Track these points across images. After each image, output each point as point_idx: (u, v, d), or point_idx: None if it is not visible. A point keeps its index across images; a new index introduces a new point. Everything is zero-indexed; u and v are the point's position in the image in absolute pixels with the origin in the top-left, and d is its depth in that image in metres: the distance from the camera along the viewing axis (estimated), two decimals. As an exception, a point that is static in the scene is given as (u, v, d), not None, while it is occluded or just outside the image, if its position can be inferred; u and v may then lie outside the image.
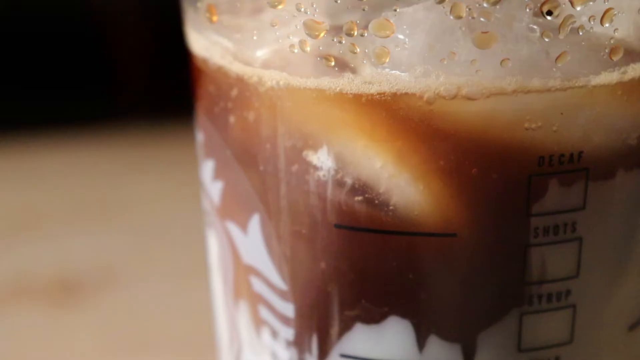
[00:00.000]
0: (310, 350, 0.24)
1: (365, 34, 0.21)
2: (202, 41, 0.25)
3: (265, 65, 0.23)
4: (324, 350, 0.23)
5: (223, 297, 0.27)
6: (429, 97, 0.21)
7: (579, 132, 0.21)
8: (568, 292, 0.23)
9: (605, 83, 0.21)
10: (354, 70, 0.21)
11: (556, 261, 0.22)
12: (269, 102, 0.23)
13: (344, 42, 0.21)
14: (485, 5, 0.20)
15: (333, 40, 0.21)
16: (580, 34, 0.21)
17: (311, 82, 0.22)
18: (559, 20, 0.21)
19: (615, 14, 0.21)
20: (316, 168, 0.22)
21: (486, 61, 0.21)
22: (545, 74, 0.21)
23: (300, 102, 0.22)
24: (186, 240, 0.49)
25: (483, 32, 0.21)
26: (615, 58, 0.21)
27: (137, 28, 0.80)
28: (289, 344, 0.24)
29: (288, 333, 0.24)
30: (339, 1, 0.21)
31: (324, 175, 0.22)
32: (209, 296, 0.29)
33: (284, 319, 0.24)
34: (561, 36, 0.21)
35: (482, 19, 0.21)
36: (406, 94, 0.21)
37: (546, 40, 0.21)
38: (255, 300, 0.25)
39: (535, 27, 0.21)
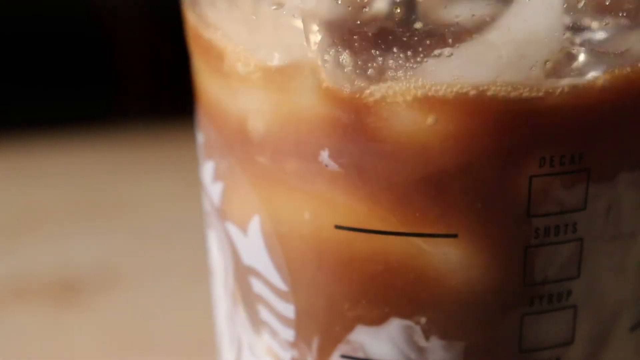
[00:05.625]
0: (311, 352, 0.24)
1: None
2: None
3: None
4: (324, 352, 0.23)
5: (223, 297, 0.27)
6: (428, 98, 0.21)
7: (580, 133, 0.21)
8: (569, 293, 0.23)
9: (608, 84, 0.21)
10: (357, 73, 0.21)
11: (557, 262, 0.22)
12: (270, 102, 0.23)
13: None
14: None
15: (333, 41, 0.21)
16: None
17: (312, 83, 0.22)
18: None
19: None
20: (317, 168, 0.22)
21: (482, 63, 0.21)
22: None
23: (301, 102, 0.22)
24: (187, 241, 0.49)
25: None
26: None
27: (139, 28, 0.80)
28: (289, 345, 0.24)
29: (288, 334, 0.24)
30: (340, 1, 0.21)
31: (324, 176, 0.22)
32: (209, 297, 0.29)
33: (284, 320, 0.24)
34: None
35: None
36: (403, 93, 0.21)
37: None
38: (256, 301, 0.25)
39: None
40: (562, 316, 0.23)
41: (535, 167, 0.21)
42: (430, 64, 0.21)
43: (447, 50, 0.21)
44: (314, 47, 0.21)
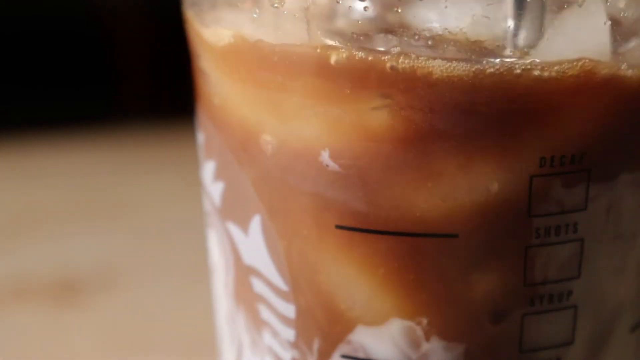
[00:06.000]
0: (311, 351, 0.24)
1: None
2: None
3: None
4: (325, 352, 0.23)
5: (224, 297, 0.27)
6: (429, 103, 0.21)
7: (580, 133, 0.21)
8: (569, 293, 0.23)
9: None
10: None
11: (557, 262, 0.22)
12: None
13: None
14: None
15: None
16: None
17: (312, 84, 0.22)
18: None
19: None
20: (317, 169, 0.22)
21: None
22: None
23: (302, 102, 0.22)
24: (187, 241, 0.49)
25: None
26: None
27: (139, 28, 0.80)
28: (290, 344, 0.24)
29: (289, 334, 0.24)
30: (340, 2, 0.21)
31: (325, 176, 0.22)
32: (210, 297, 0.29)
33: (285, 320, 0.24)
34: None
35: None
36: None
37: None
38: (256, 301, 0.25)
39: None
40: (563, 316, 0.23)
41: (535, 167, 0.21)
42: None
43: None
44: (317, 46, 0.21)
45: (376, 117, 0.21)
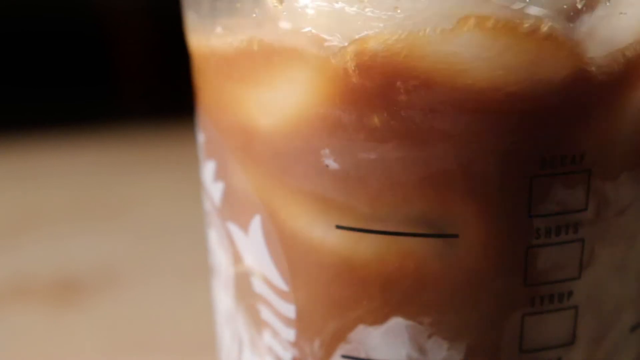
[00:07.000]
0: (312, 352, 0.24)
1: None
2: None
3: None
4: (325, 352, 0.23)
5: (224, 297, 0.27)
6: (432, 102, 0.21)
7: (581, 133, 0.21)
8: (570, 293, 0.23)
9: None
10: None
11: (558, 262, 0.22)
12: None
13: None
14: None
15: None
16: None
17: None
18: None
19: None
20: (317, 169, 0.22)
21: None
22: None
23: (303, 101, 0.22)
24: (187, 241, 0.49)
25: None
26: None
27: (139, 28, 0.80)
28: (290, 344, 0.24)
29: (289, 334, 0.24)
30: (339, 2, 0.21)
31: (325, 176, 0.22)
32: (209, 297, 0.29)
33: (285, 320, 0.24)
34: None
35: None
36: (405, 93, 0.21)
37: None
38: (257, 301, 0.25)
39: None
40: (563, 316, 0.23)
41: (536, 168, 0.21)
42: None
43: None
44: (321, 46, 0.21)
45: (376, 117, 0.21)
